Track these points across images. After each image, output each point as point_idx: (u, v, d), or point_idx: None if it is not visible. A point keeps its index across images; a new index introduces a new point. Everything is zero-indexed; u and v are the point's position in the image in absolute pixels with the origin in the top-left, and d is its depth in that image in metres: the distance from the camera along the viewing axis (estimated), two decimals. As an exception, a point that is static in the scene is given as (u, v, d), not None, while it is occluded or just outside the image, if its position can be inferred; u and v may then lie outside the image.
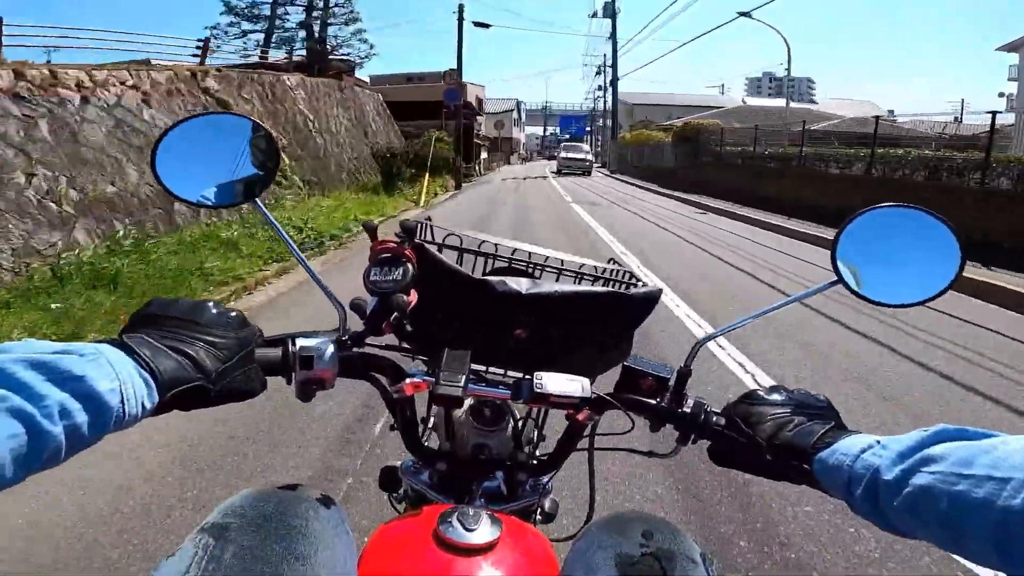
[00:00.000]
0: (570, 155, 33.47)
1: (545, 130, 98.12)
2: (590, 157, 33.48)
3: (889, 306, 0.66)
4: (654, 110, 51.44)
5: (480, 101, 43.17)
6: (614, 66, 31.62)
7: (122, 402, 0.41)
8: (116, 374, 0.42)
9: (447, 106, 20.56)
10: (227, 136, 0.68)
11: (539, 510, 0.80)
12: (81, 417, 0.38)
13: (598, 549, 0.55)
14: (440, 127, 21.69)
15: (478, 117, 40.92)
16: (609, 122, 62.86)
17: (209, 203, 0.69)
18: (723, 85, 60.07)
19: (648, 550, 0.53)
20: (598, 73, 63.21)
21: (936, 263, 0.62)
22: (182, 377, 0.47)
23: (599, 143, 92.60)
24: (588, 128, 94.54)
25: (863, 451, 0.47)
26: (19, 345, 0.39)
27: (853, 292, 0.64)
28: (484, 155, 34.23)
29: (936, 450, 0.41)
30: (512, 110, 57.42)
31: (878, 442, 0.47)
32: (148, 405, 0.44)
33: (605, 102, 62.25)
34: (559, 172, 31.21)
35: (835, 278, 0.64)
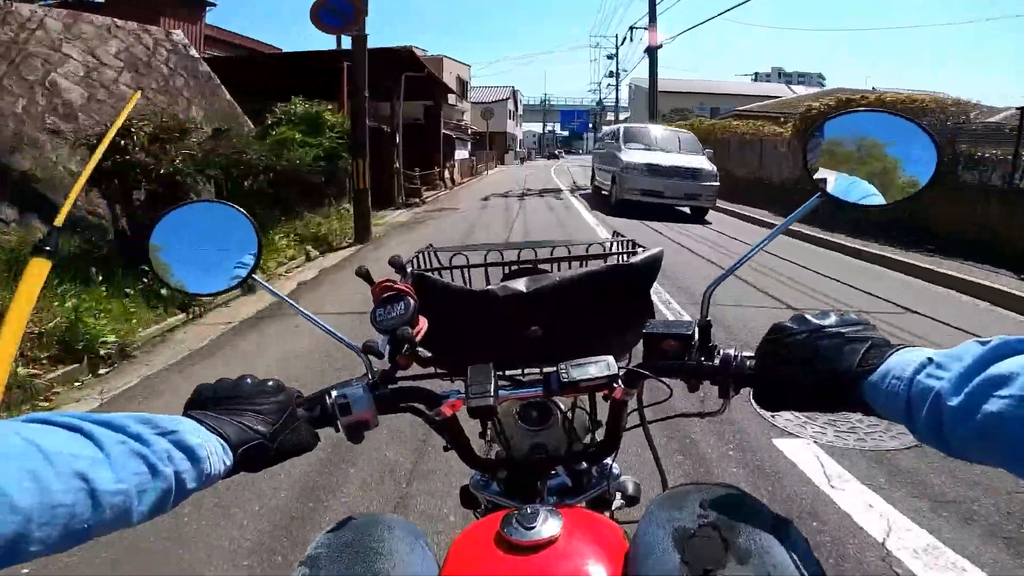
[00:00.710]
0: (651, 161, 10.62)
1: (544, 126, 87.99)
2: (707, 166, 10.87)
3: (872, 207, 0.66)
4: (683, 99, 41.22)
5: (463, 84, 32.91)
6: (652, 18, 21.10)
7: (208, 457, 0.47)
8: (199, 433, 0.48)
9: (339, 66, 9.55)
10: (214, 222, 0.71)
11: (619, 495, 0.80)
12: (184, 465, 0.45)
13: (657, 527, 0.54)
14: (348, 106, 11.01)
15: (459, 104, 30.74)
16: (624, 116, 53.07)
17: (211, 291, 0.74)
18: (757, 73, 49.94)
19: (707, 520, 0.51)
20: (610, 57, 53.34)
21: (913, 163, 0.62)
22: (246, 437, 0.53)
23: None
24: (592, 125, 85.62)
25: (917, 372, 0.44)
26: (122, 414, 0.44)
27: (837, 200, 0.64)
28: (464, 154, 23.54)
29: (1003, 368, 0.38)
30: (507, 99, 47.19)
31: (931, 359, 0.44)
32: (227, 462, 0.51)
33: (618, 90, 52.68)
34: (598, 196, 14.02)
35: (819, 192, 0.65)
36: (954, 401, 0.39)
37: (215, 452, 0.49)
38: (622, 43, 34.24)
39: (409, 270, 0.78)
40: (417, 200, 13.27)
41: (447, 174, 17.70)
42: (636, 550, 0.54)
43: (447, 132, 18.54)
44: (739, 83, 43.92)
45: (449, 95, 23.31)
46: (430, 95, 16.29)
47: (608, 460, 0.77)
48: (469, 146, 26.32)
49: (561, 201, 14.46)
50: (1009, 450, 0.37)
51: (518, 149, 55.10)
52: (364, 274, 0.72)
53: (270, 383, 0.60)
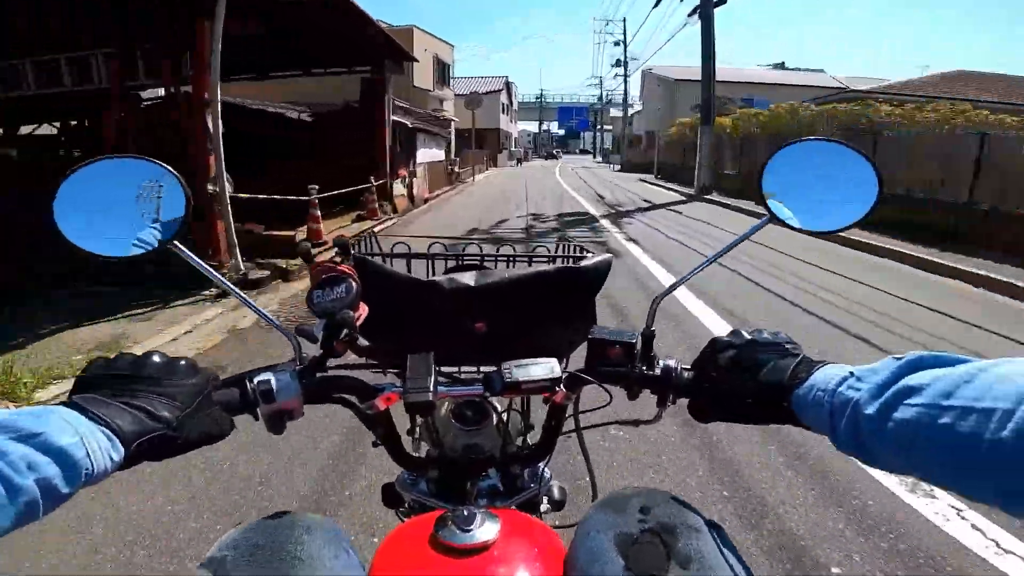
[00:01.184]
0: None
1: (541, 125, 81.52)
2: None
3: (815, 233, 0.68)
4: (690, 91, 34.50)
5: (443, 67, 26.21)
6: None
7: (88, 456, 0.42)
8: (75, 429, 0.42)
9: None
10: (131, 180, 0.64)
11: (546, 499, 0.80)
12: (51, 470, 0.39)
13: (597, 532, 0.54)
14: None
15: (438, 90, 24.18)
16: (635, 109, 46.62)
17: (124, 254, 0.62)
18: (783, 62, 43.41)
19: (647, 525, 0.53)
20: (617, 44, 46.87)
21: (856, 191, 0.65)
22: (142, 428, 0.47)
23: (603, 141, 79.46)
24: (593, 122, 79.63)
25: (839, 384, 0.46)
26: None
27: (785, 225, 0.66)
28: (436, 154, 16.80)
29: (914, 380, 0.40)
30: (499, 91, 40.59)
31: (852, 373, 0.46)
32: (115, 457, 0.45)
33: (627, 81, 46.25)
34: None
35: (767, 216, 0.67)
36: (870, 410, 0.42)
37: (99, 448, 0.43)
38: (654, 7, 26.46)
39: (352, 252, 0.71)
40: (276, 271, 5.36)
41: (401, 188, 10.95)
42: (577, 555, 0.54)
43: (405, 122, 11.80)
44: (766, 71, 37.47)
45: (422, 79, 16.69)
46: (369, 58, 9.64)
47: (541, 464, 0.76)
48: (448, 144, 19.55)
49: (604, 242, 7.91)
50: (919, 455, 0.39)
51: (513, 148, 48.47)
52: (304, 252, 0.68)
53: (182, 362, 0.54)
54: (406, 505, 0.82)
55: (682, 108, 36.40)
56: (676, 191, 18.12)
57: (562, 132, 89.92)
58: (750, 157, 14.98)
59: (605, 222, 10.18)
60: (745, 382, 0.55)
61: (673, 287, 0.69)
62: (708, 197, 14.79)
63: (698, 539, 0.51)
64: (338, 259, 0.66)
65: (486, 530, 0.53)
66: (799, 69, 39.65)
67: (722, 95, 30.44)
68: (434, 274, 0.80)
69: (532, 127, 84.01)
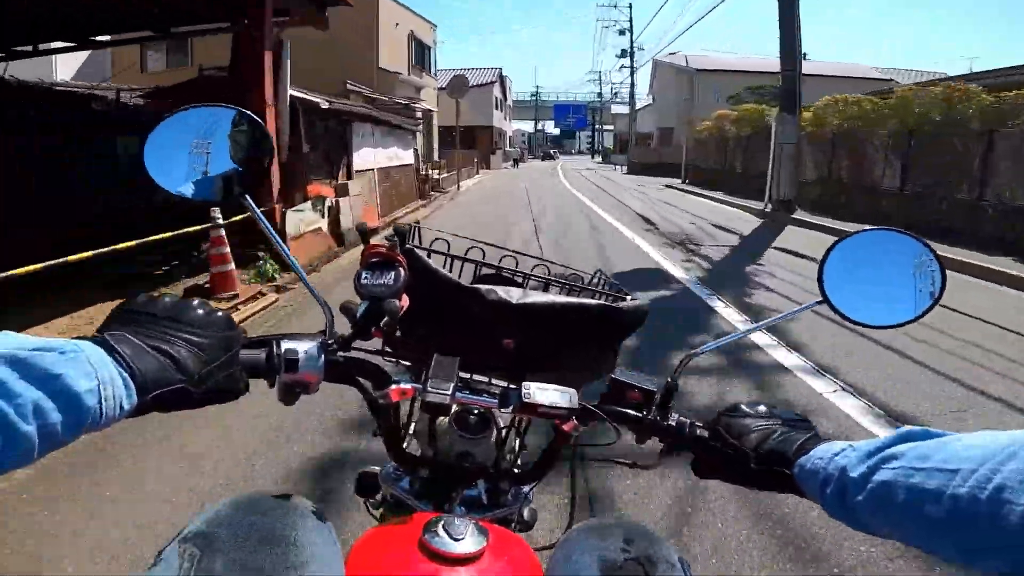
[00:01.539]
0: None
1: (537, 124, 76.91)
2: None
3: (872, 327, 0.67)
4: (730, 81, 30.00)
5: (423, 48, 21.36)
6: None
7: (100, 402, 0.40)
8: (96, 373, 0.40)
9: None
10: (220, 129, 0.66)
11: (517, 518, 0.79)
12: (55, 417, 0.37)
13: (581, 554, 0.55)
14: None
15: (414, 75, 19.53)
16: (643, 104, 41.95)
17: (200, 198, 0.65)
18: (806, 54, 38.86)
19: (631, 555, 0.54)
20: (622, 32, 42.15)
21: (920, 285, 0.64)
22: (164, 379, 0.46)
23: (603, 141, 75.20)
24: (592, 119, 75.09)
25: (836, 455, 0.48)
26: None
27: (838, 312, 0.65)
28: (401, 155, 11.85)
29: (899, 448, 0.42)
30: (492, 83, 35.84)
31: (851, 445, 0.48)
32: (126, 406, 0.43)
33: (633, 73, 41.58)
34: None
35: (820, 297, 0.66)
36: (855, 473, 0.44)
37: (114, 395, 0.41)
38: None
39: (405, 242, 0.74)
40: None
41: (313, 218, 6.17)
42: (558, 574, 0.56)
43: (318, 102, 6.85)
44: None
45: (392, 59, 12.11)
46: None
47: (527, 485, 0.76)
48: (417, 142, 14.65)
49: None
50: (893, 514, 0.41)
51: (508, 148, 43.65)
52: (364, 232, 0.71)
53: (219, 313, 0.53)
54: (379, 497, 0.82)
55: (704, 101, 31.53)
56: (732, 204, 13.25)
57: (557, 132, 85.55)
58: (852, 159, 10.31)
59: (730, 314, 4.56)
60: (755, 449, 0.56)
61: (704, 350, 0.69)
62: (798, 217, 10.02)
63: (673, 570, 0.54)
64: (390, 243, 0.68)
65: (475, 542, 0.53)
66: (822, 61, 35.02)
67: (758, 85, 25.93)
68: (472, 276, 0.83)
69: (526, 127, 79.41)
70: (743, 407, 0.61)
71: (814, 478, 0.49)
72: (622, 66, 40.88)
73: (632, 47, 40.31)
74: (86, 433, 0.40)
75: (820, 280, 0.65)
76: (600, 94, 71.10)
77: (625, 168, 34.74)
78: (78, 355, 0.40)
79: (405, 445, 0.79)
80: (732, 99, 23.98)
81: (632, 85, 40.58)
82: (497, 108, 37.78)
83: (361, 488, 0.81)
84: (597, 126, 74.65)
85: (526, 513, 0.80)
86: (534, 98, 73.25)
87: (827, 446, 0.51)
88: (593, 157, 76.82)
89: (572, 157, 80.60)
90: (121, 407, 0.42)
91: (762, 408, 0.60)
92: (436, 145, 21.98)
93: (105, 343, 0.44)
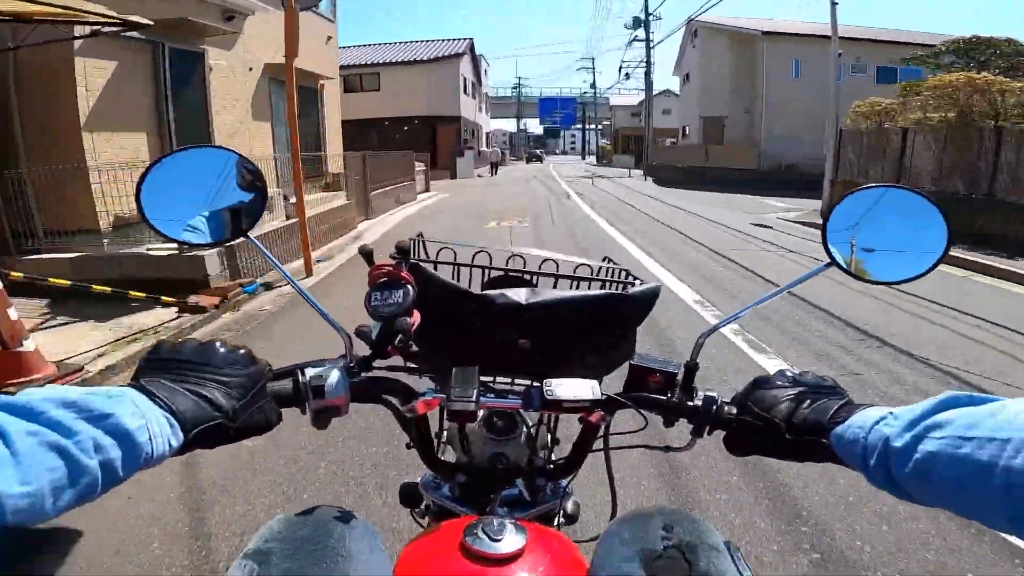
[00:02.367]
0: None
1: (519, 122, 66.47)
2: None
3: (880, 283, 0.68)
4: (815, 51, 20.03)
5: None
6: None
7: (150, 439, 0.43)
8: (142, 413, 0.43)
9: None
10: (212, 170, 0.67)
11: (561, 513, 0.79)
12: (115, 452, 0.40)
13: (621, 546, 0.56)
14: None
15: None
16: (658, 89, 31.17)
17: (201, 241, 0.68)
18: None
19: (671, 543, 0.54)
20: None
21: (924, 241, 0.63)
22: (202, 416, 0.48)
23: (597, 139, 65.40)
24: (582, 115, 65.13)
25: (876, 423, 0.47)
26: (44, 390, 0.40)
27: (846, 272, 0.66)
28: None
29: (943, 416, 0.41)
30: (459, 56, 25.27)
31: (891, 413, 0.47)
32: (174, 443, 0.46)
33: (651, 48, 31.38)
34: None
35: (828, 260, 0.66)
36: (899, 443, 0.43)
37: (161, 433, 0.44)
38: None
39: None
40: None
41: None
42: (600, 567, 0.55)
43: None
44: (863, 28, 22.81)
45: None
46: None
47: (565, 479, 0.77)
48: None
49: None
50: (940, 485, 0.40)
51: (485, 148, 32.95)
52: (367, 254, 0.70)
53: (242, 351, 0.56)
54: (423, 506, 0.84)
55: (780, 79, 21.98)
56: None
57: (541, 130, 75.61)
58: None
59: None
60: (788, 419, 0.56)
61: (719, 325, 0.70)
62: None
63: (718, 558, 0.53)
64: (395, 261, 0.68)
65: (514, 541, 0.54)
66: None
67: (816, 59, 15.66)
68: (481, 281, 0.83)
69: (506, 125, 69.31)
70: (769, 378, 0.60)
71: (853, 447, 0.48)
72: (633, 39, 30.60)
73: (647, 14, 30.20)
74: (143, 469, 0.43)
75: (824, 242, 0.65)
76: (594, 84, 60.96)
77: (637, 173, 24.47)
78: (123, 398, 0.43)
79: (441, 453, 0.84)
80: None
81: (648, 64, 30.41)
82: (467, 92, 27.12)
83: (405, 499, 0.83)
84: (590, 124, 64.52)
85: (569, 507, 0.79)
86: (515, 92, 62.81)
87: (864, 413, 0.50)
88: (584, 158, 66.88)
89: (558, 158, 70.80)
90: (169, 444, 0.45)
91: (787, 379, 0.59)
92: (340, 149, 11.30)
93: (142, 388, 0.46)
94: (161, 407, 0.45)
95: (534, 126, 74.04)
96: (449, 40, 26.95)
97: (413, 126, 24.72)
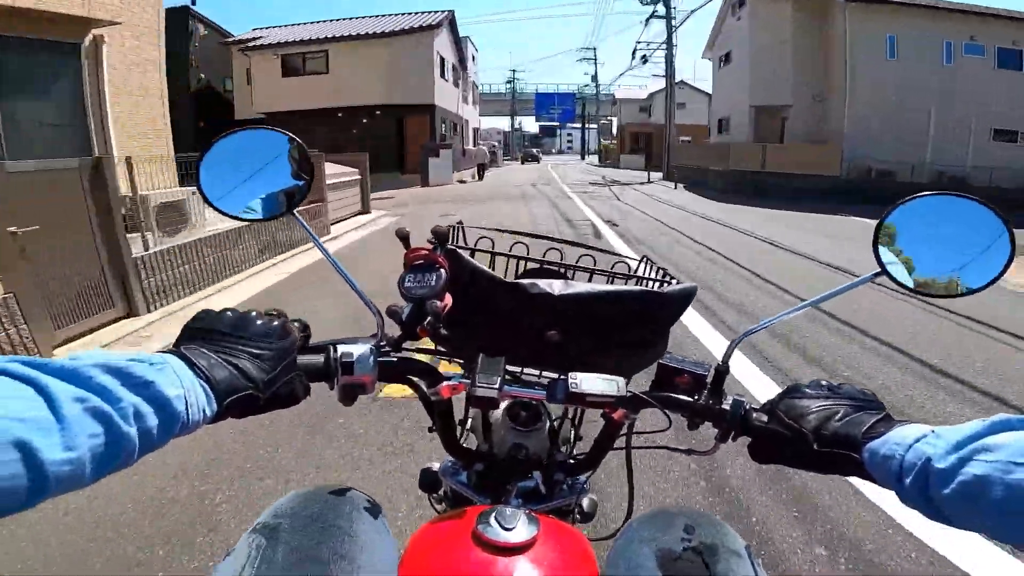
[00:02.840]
0: None
1: (513, 120, 61.04)
2: None
3: (934, 297, 0.64)
4: (889, 17, 14.05)
5: None
6: None
7: (186, 408, 0.44)
8: (181, 382, 0.44)
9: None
10: (264, 150, 0.70)
11: (577, 509, 0.79)
12: (153, 420, 0.41)
13: (640, 544, 0.55)
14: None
15: None
16: (680, 78, 25.55)
17: (253, 216, 0.71)
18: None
19: (690, 544, 0.54)
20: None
21: (985, 253, 0.60)
22: (236, 386, 0.49)
23: (598, 137, 59.14)
24: (581, 111, 59.49)
25: (917, 440, 0.45)
26: (91, 354, 0.40)
27: (898, 283, 0.63)
28: None
29: (994, 440, 0.40)
30: (434, 28, 19.62)
31: (933, 431, 0.45)
32: (208, 412, 0.46)
33: (673, 26, 25.76)
34: None
35: (878, 269, 0.63)
36: (942, 464, 0.41)
37: (197, 402, 0.45)
38: None
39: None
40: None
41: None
42: (617, 563, 0.55)
43: None
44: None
45: None
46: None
47: (583, 475, 0.76)
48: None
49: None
50: (988, 511, 0.38)
51: (471, 145, 27.06)
52: (404, 236, 0.70)
53: (276, 323, 0.55)
54: (441, 492, 0.84)
55: (869, 58, 14.35)
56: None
57: (537, 128, 70.25)
58: None
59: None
60: (818, 430, 0.53)
61: (754, 330, 0.67)
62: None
63: (738, 563, 0.52)
64: (432, 245, 0.69)
65: (526, 531, 0.54)
66: None
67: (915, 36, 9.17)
68: (515, 272, 0.83)
69: (501, 124, 63.83)
70: (803, 387, 0.58)
71: (888, 464, 0.46)
72: (652, 15, 24.91)
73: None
74: (175, 437, 0.44)
75: (876, 250, 0.62)
76: (595, 77, 55.43)
77: (670, 180, 18.92)
78: (165, 366, 0.44)
79: (463, 440, 0.85)
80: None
81: (670, 45, 24.86)
82: (444, 76, 21.46)
83: (424, 484, 0.83)
84: (593, 120, 59.19)
85: (585, 504, 0.78)
86: (509, 87, 57.15)
87: (903, 430, 0.48)
88: (584, 158, 61.31)
89: (556, 158, 65.34)
90: (204, 413, 0.46)
91: (822, 389, 0.57)
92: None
93: (184, 356, 0.47)
94: (199, 376, 0.46)
95: (530, 124, 68.94)
96: (421, 13, 21.31)
97: (374, 118, 19.00)
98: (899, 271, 0.62)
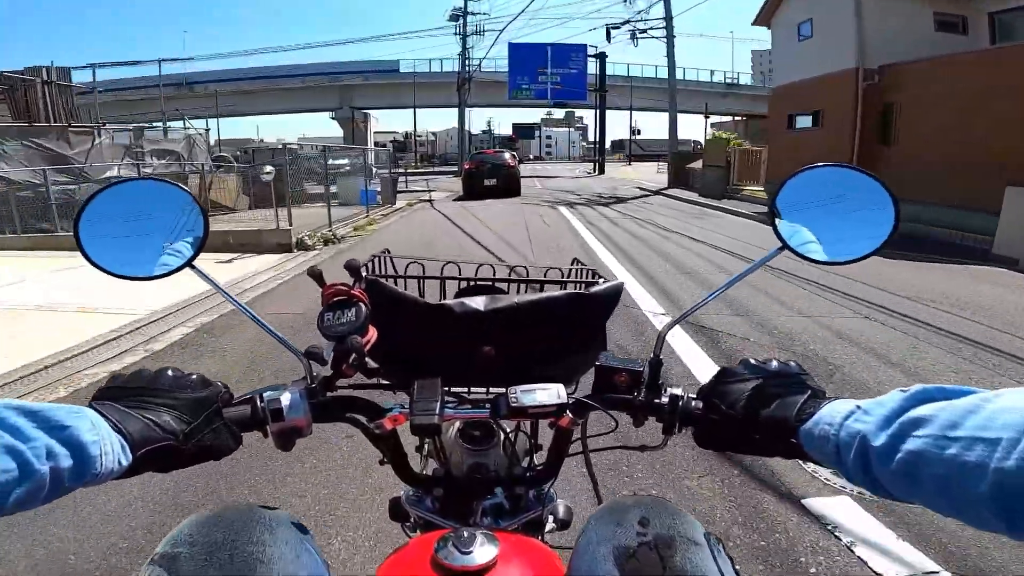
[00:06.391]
0: None
1: (463, 114, 33.72)
2: None
3: (830, 264, 0.66)
4: None
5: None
6: None
7: (101, 455, 0.45)
8: (97, 430, 0.46)
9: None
10: (152, 203, 0.66)
11: (552, 518, 0.79)
12: (66, 462, 0.42)
13: (597, 545, 0.55)
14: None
15: None
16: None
17: (147, 275, 0.66)
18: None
19: (645, 539, 0.53)
20: None
21: (872, 220, 0.63)
22: (151, 437, 0.50)
23: (599, 138, 32.72)
24: (597, 82, 33.00)
25: (846, 418, 0.47)
26: (8, 400, 0.42)
27: (798, 255, 0.65)
28: None
29: (921, 412, 0.41)
30: None
31: (859, 407, 0.47)
32: (124, 462, 0.47)
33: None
34: None
35: (780, 245, 0.65)
36: (878, 442, 0.43)
37: (112, 451, 0.46)
38: None
39: (363, 274, 0.71)
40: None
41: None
42: (579, 569, 0.55)
43: None
44: None
45: None
46: None
47: (546, 485, 0.76)
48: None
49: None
50: (928, 485, 0.40)
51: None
52: (316, 275, 0.68)
53: (193, 377, 0.57)
54: (411, 520, 0.82)
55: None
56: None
57: (508, 132, 43.14)
58: None
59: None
60: (752, 416, 0.55)
61: (679, 319, 0.70)
62: None
63: (696, 552, 0.52)
64: (350, 281, 0.67)
65: (485, 552, 0.53)
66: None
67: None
68: (445, 296, 0.81)
69: (446, 121, 37.21)
70: (732, 370, 0.59)
71: (825, 445, 0.48)
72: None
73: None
74: (86, 486, 0.45)
75: (774, 226, 0.65)
76: (611, 29, 28.64)
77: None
78: (82, 414, 0.45)
79: (423, 466, 0.87)
80: None
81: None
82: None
83: (394, 514, 0.82)
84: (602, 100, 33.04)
85: (561, 511, 0.79)
86: (459, 34, 30.51)
87: (831, 407, 0.50)
88: (596, 169, 35.20)
89: (546, 169, 39.90)
90: (119, 463, 0.47)
91: (750, 370, 0.58)
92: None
93: (96, 409, 0.48)
94: (112, 427, 0.47)
95: (508, 121, 41.53)
96: None
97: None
98: (796, 243, 0.64)
